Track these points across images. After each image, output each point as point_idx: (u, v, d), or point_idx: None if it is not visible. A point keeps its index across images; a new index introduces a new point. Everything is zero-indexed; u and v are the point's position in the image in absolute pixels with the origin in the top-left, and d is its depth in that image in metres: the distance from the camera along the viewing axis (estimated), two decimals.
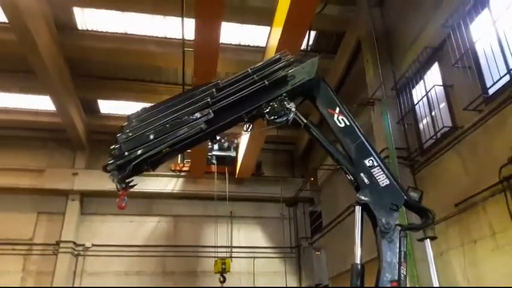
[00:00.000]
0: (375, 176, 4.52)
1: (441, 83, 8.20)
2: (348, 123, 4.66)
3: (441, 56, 8.34)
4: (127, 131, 4.53)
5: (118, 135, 4.53)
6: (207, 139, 4.68)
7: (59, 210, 14.21)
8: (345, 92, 12.21)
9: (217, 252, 13.75)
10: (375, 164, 4.56)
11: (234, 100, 4.53)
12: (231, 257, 13.96)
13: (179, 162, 15.26)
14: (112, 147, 4.47)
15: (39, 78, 11.14)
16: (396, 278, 4.53)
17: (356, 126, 4.65)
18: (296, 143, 16.47)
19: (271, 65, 4.73)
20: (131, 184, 4.40)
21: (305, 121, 4.75)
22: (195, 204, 15.30)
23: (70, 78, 12.32)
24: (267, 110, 4.50)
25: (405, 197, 4.62)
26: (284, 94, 4.55)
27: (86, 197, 14.55)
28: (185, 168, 15.15)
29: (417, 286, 7.63)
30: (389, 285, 4.49)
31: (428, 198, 7.33)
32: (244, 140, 13.41)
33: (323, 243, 14.64)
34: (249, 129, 4.83)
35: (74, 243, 13.90)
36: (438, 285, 4.36)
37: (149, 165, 4.37)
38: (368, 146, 4.66)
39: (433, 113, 8.39)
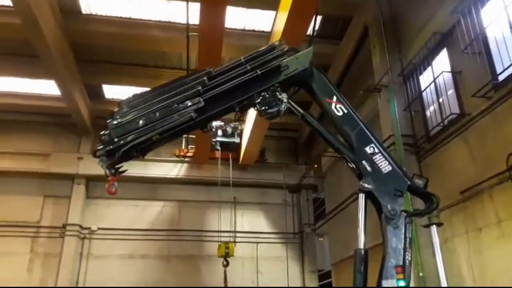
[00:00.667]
0: (377, 162, 4.50)
1: (449, 70, 8.10)
2: (346, 111, 4.62)
3: (450, 42, 8.22)
4: (117, 117, 4.50)
5: (108, 121, 4.50)
6: (198, 128, 4.63)
7: (65, 194, 14.32)
8: (351, 78, 12.11)
9: (221, 236, 13.87)
10: (377, 150, 4.54)
11: (225, 89, 4.47)
12: (234, 241, 14.11)
13: (183, 148, 15.29)
14: (101, 132, 4.48)
15: (44, 62, 11.09)
16: (401, 263, 4.56)
17: (355, 113, 4.62)
18: (300, 129, 16.41)
19: (265, 54, 4.65)
20: (120, 170, 4.43)
21: (302, 112, 4.70)
22: (199, 189, 15.37)
23: (75, 63, 12.26)
24: (258, 101, 4.44)
25: (408, 182, 4.63)
26: (276, 84, 4.49)
27: (92, 181, 14.60)
28: (189, 154, 15.18)
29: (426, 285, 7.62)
30: (394, 271, 4.53)
31: (433, 186, 7.27)
32: (248, 126, 13.38)
33: (326, 230, 14.72)
34: (241, 119, 4.81)
35: (80, 226, 14.04)
36: (443, 271, 4.37)
37: (138, 152, 4.37)
38: (368, 133, 4.63)
39: (440, 100, 8.32)
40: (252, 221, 15.61)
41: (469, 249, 7.06)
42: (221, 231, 14.24)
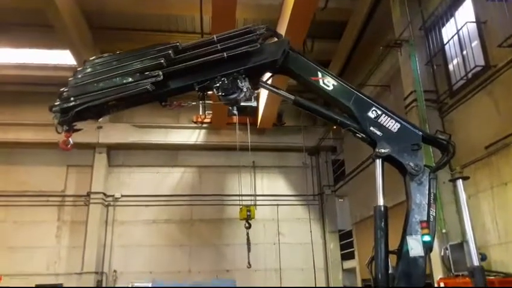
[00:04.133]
0: (384, 124, 4.41)
1: (474, 20, 7.72)
2: (336, 83, 4.49)
3: None
4: (79, 76, 4.44)
5: (70, 79, 4.44)
6: (156, 100, 4.50)
7: (87, 163, 14.61)
8: (370, 34, 11.69)
9: (241, 200, 14.07)
10: (379, 112, 4.44)
11: (188, 66, 4.32)
12: (255, 204, 14.29)
13: (200, 113, 15.27)
14: (62, 89, 4.45)
15: (58, 32, 11.06)
16: (425, 218, 4.53)
17: (345, 83, 4.49)
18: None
19: (240, 36, 4.47)
20: (75, 128, 4.41)
21: (293, 97, 4.56)
22: (218, 155, 15.48)
23: (88, 31, 12.18)
24: (217, 85, 4.31)
25: (420, 133, 4.55)
26: (242, 71, 4.34)
27: (113, 150, 14.88)
28: (207, 120, 15.17)
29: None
30: (418, 227, 4.51)
31: (457, 142, 7.08)
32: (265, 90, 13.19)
33: (346, 191, 14.74)
34: (202, 101, 4.62)
35: (104, 194, 14.39)
36: (470, 226, 4.31)
37: (93, 114, 4.36)
38: (364, 97, 4.54)
39: (464, 53, 7.99)
40: (271, 184, 15.73)
41: (494, 204, 6.97)
42: (241, 195, 14.42)
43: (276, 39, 4.69)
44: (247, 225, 12.04)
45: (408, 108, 8.85)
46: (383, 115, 4.43)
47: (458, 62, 8.20)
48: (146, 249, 14.21)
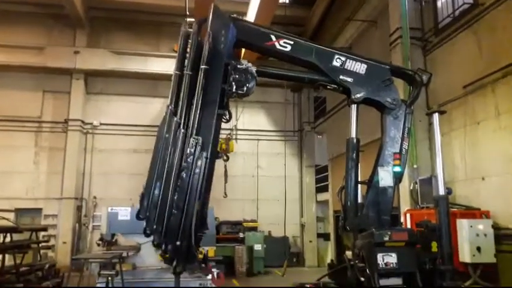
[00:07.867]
0: (351, 69, 4.50)
1: None
2: (292, 42, 4.47)
3: None
4: (154, 227, 4.07)
5: (151, 238, 4.12)
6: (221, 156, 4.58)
7: (64, 90, 14.22)
8: None
9: (222, 133, 14.10)
10: (343, 58, 4.50)
11: (198, 111, 4.17)
12: (236, 138, 14.40)
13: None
14: (159, 253, 4.38)
15: None
16: (398, 151, 4.70)
17: (301, 39, 4.52)
18: (305, 24, 15.70)
19: (188, 46, 4.43)
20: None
21: (255, 68, 4.52)
22: None
23: None
24: (235, 88, 4.21)
25: (388, 67, 4.66)
26: (230, 60, 4.24)
27: (91, 77, 14.45)
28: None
29: None
30: (390, 159, 4.69)
31: (437, 81, 7.23)
32: (249, 18, 12.76)
33: (325, 128, 14.95)
34: (229, 119, 4.50)
35: (82, 121, 14.20)
36: (441, 157, 4.49)
37: (200, 230, 4.09)
38: (324, 48, 4.57)
39: None
40: (253, 119, 15.79)
41: (465, 142, 7.21)
42: (222, 129, 14.39)
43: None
44: (225, 158, 12.18)
45: (393, 45, 8.78)
46: (348, 60, 4.52)
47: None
48: (127, 177, 14.29)
